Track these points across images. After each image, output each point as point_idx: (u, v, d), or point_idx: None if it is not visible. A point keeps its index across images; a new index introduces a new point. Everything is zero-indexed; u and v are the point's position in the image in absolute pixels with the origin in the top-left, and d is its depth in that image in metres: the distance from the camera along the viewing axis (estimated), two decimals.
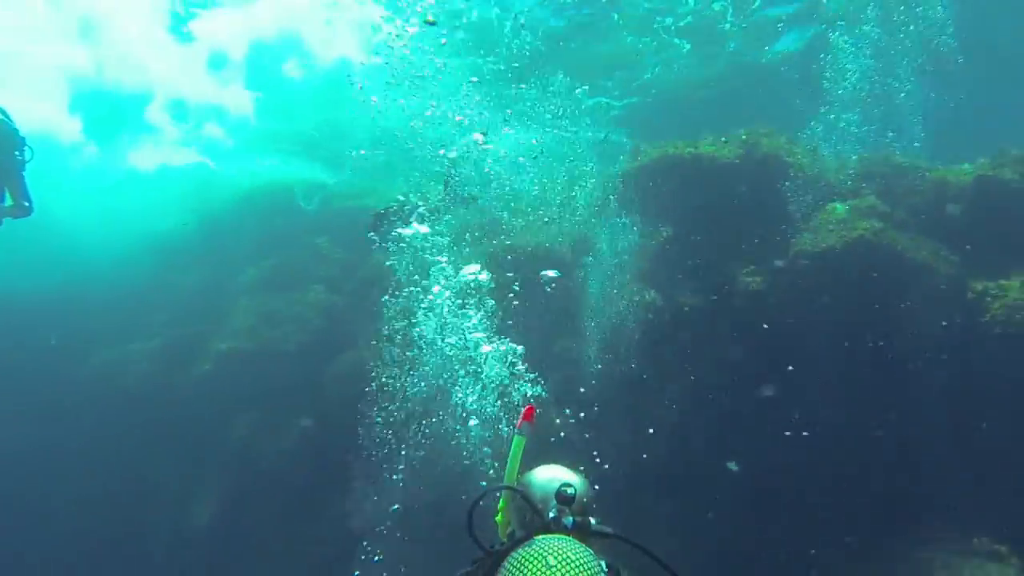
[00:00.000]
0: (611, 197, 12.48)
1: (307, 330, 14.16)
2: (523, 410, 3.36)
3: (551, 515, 2.99)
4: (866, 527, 10.76)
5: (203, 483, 13.97)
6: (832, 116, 13.41)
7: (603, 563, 2.83)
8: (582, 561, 2.74)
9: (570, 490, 3.01)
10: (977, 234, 11.45)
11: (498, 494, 3.29)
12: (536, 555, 2.76)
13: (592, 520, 3.02)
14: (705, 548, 10.57)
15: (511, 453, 3.25)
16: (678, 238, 11.94)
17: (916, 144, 13.41)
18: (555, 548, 2.78)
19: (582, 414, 11.98)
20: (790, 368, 11.02)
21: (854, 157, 12.59)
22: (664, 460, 11.27)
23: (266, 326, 14.05)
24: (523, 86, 15.24)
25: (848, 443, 10.92)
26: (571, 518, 2.99)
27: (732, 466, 10.58)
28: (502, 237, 13.48)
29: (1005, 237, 11.31)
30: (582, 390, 12.02)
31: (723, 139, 12.18)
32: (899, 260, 10.99)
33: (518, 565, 2.75)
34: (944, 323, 10.87)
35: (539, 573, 2.70)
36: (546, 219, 13.23)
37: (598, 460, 11.91)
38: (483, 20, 15.26)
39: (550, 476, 3.15)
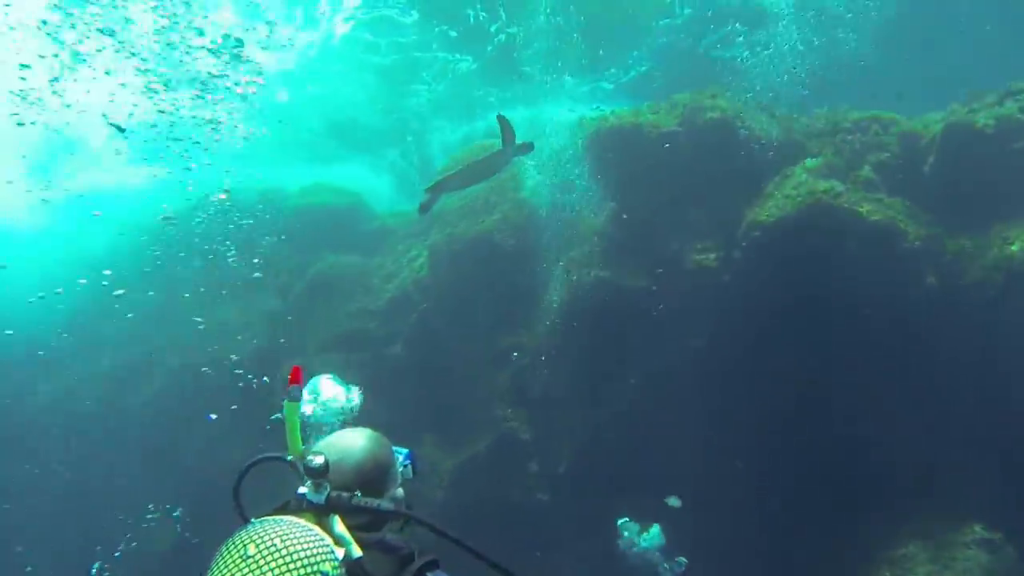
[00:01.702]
0: (557, 173, 11.58)
1: (258, 337, 13.56)
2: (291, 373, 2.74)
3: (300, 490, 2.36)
4: (854, 515, 9.85)
5: (161, 499, 13.49)
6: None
7: (341, 553, 2.15)
8: (294, 550, 2.09)
9: (315, 461, 2.34)
10: (952, 188, 10.39)
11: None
12: (236, 543, 2.14)
13: (358, 495, 2.37)
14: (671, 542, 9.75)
15: (287, 423, 2.66)
16: (624, 214, 10.96)
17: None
18: (264, 533, 2.14)
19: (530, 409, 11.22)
20: (753, 348, 10.16)
21: (812, 113, 11.49)
22: (617, 453, 10.45)
23: (216, 337, 13.47)
24: None
25: (825, 429, 10.00)
26: (321, 493, 2.32)
27: (673, 501, 9.74)
28: (448, 228, 12.67)
29: (983, 188, 10.22)
30: (532, 383, 11.26)
31: (662, 105, 11.21)
32: (864, 223, 9.93)
33: (217, 556, 2.16)
34: (918, 288, 9.87)
35: (231, 566, 2.09)
36: (491, 201, 12.34)
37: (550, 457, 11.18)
38: None
39: (329, 442, 2.54)
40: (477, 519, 11.25)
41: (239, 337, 12.97)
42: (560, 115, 14.20)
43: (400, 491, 2.57)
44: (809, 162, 10.50)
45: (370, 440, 2.54)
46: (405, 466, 2.69)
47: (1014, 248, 9.58)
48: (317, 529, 2.15)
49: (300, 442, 2.64)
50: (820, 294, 9.90)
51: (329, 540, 2.14)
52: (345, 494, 2.33)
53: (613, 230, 10.81)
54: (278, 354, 13.18)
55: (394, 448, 2.68)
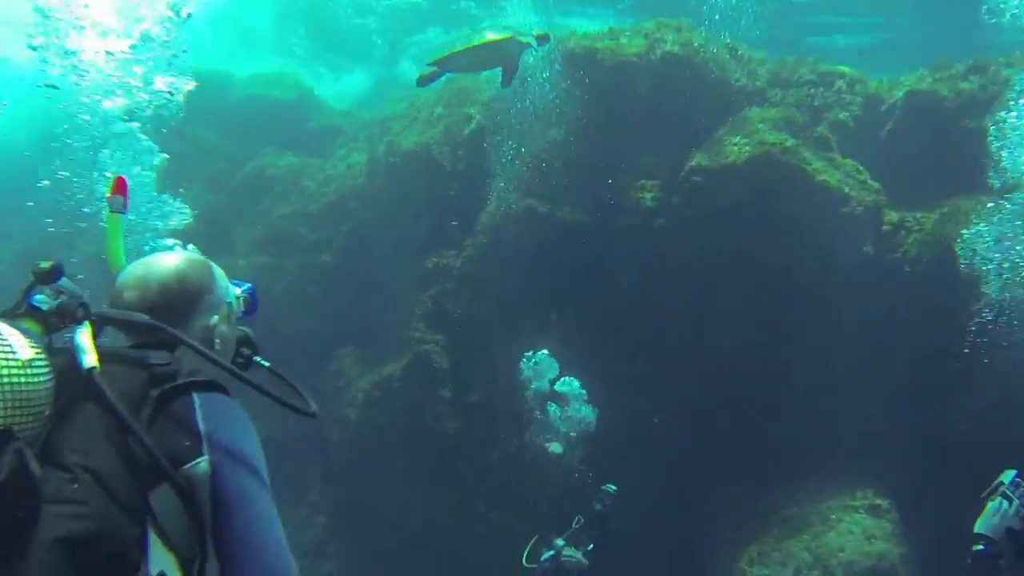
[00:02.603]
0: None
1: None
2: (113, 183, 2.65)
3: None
4: (752, 475, 9.80)
5: None
6: None
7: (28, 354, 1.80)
8: None
9: (41, 264, 2.12)
10: (904, 157, 10.09)
11: None
12: None
13: (107, 309, 2.19)
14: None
15: (108, 235, 2.67)
16: (568, 144, 10.50)
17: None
18: None
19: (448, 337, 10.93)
20: (683, 297, 9.91)
21: (780, 60, 11.01)
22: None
23: None
24: None
25: (741, 387, 9.86)
26: (54, 300, 2.08)
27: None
28: (388, 137, 12.14)
29: (936, 162, 9.93)
30: (454, 307, 10.94)
31: (626, 31, 10.66)
32: (808, 182, 9.61)
33: None
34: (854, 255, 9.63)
35: None
36: (437, 113, 11.80)
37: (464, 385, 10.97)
38: None
39: (146, 260, 2.37)
40: (388, 440, 11.14)
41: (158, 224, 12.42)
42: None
43: (216, 320, 2.37)
44: (765, 111, 10.09)
45: (186, 262, 2.36)
46: (238, 299, 2.57)
47: (947, 228, 9.36)
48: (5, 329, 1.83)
49: (121, 255, 2.63)
50: (754, 249, 9.64)
51: (16, 340, 1.81)
52: (80, 304, 2.09)
53: (554, 158, 10.36)
54: (204, 252, 12.68)
55: (234, 281, 2.57)
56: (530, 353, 9.55)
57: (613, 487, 9.41)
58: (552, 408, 9.64)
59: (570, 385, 9.60)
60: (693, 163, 9.90)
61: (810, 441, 9.61)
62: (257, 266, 12.44)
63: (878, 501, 9.26)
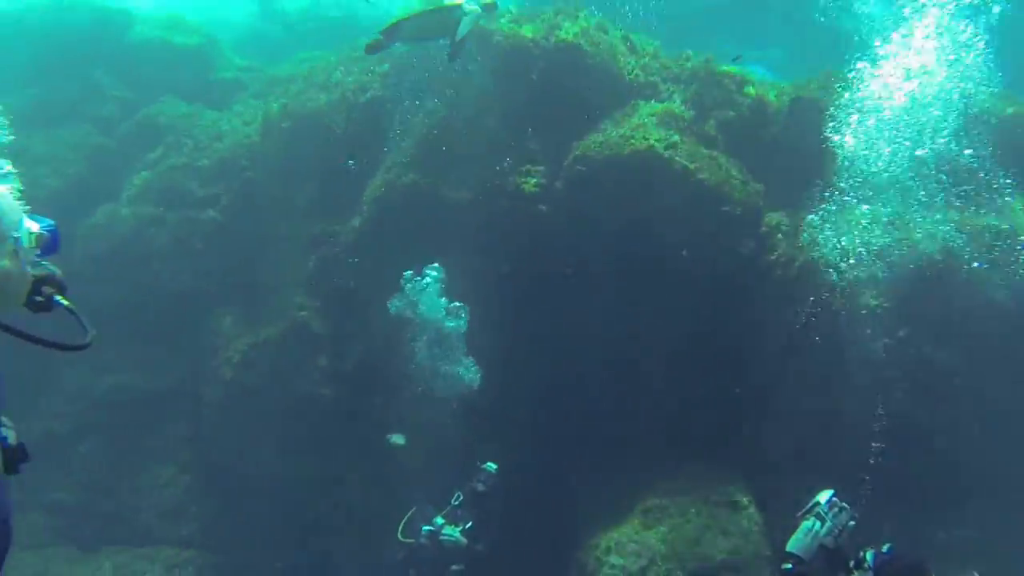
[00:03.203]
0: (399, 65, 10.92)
1: (63, 175, 12.56)
2: None
3: None
4: (619, 463, 10.04)
5: None
6: None
7: None
8: None
9: None
10: (787, 162, 10.31)
11: None
12: None
13: None
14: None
15: None
16: (458, 122, 10.46)
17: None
18: None
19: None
20: (559, 284, 10.02)
21: (678, 53, 11.09)
22: (403, 358, 10.29)
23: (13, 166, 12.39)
24: None
25: (611, 371, 10.05)
26: None
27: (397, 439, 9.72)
28: (285, 98, 11.89)
29: (815, 169, 10.17)
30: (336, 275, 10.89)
31: (524, 15, 10.63)
32: (691, 180, 9.74)
33: None
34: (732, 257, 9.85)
35: None
36: (335, 79, 11.60)
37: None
38: None
39: None
40: (260, 403, 11.07)
41: (41, 169, 12.02)
42: None
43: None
44: (652, 106, 10.18)
45: None
46: (33, 235, 2.42)
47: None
48: None
49: None
50: (633, 242, 9.78)
51: None
52: None
53: (443, 134, 10.30)
54: (86, 199, 12.32)
55: (34, 216, 2.45)
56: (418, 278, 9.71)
57: (493, 465, 9.56)
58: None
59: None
60: (578, 152, 9.95)
61: (676, 434, 9.86)
62: (142, 217, 12.14)
63: (738, 497, 9.46)
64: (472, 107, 10.33)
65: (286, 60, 14.59)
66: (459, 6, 9.13)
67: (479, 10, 9.33)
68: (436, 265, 9.75)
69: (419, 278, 9.73)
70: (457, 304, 9.88)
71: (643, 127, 9.88)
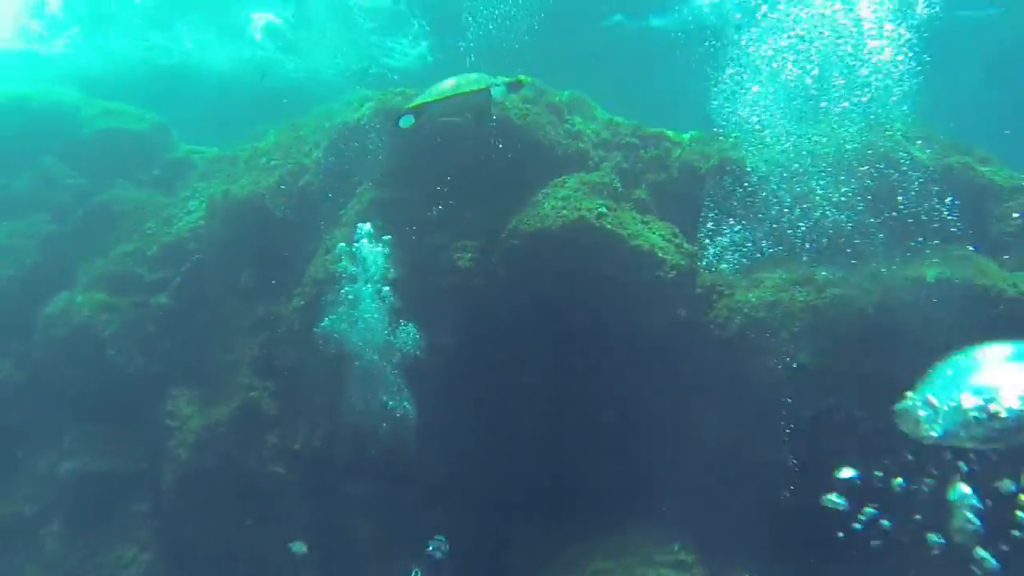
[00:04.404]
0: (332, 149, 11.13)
1: (20, 264, 12.80)
2: None
3: None
4: (561, 522, 10.06)
5: None
6: None
7: None
8: None
9: None
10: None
11: None
12: None
13: None
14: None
15: None
16: (398, 200, 10.62)
17: None
18: None
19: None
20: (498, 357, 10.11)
21: (607, 120, 11.27)
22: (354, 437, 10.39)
23: None
24: None
25: (554, 440, 10.10)
26: None
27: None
28: (226, 184, 12.10)
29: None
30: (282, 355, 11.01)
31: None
32: (624, 247, 9.86)
33: None
34: (668, 320, 9.94)
35: None
36: (273, 162, 11.81)
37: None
38: None
39: None
40: (216, 482, 11.14)
41: None
42: None
43: None
44: (583, 176, 10.33)
45: None
46: None
47: (751, 296, 9.75)
48: None
49: None
50: (571, 312, 9.87)
51: None
52: None
53: (375, 214, 10.46)
54: (43, 286, 12.53)
55: None
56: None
57: (442, 538, 9.61)
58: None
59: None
60: (511, 226, 10.09)
61: (619, 492, 9.89)
62: (95, 303, 12.31)
63: (683, 556, 9.45)
64: (401, 184, 10.46)
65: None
66: (487, 89, 9.35)
67: (505, 90, 9.57)
68: None
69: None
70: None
71: (572, 198, 10.02)
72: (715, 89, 10.06)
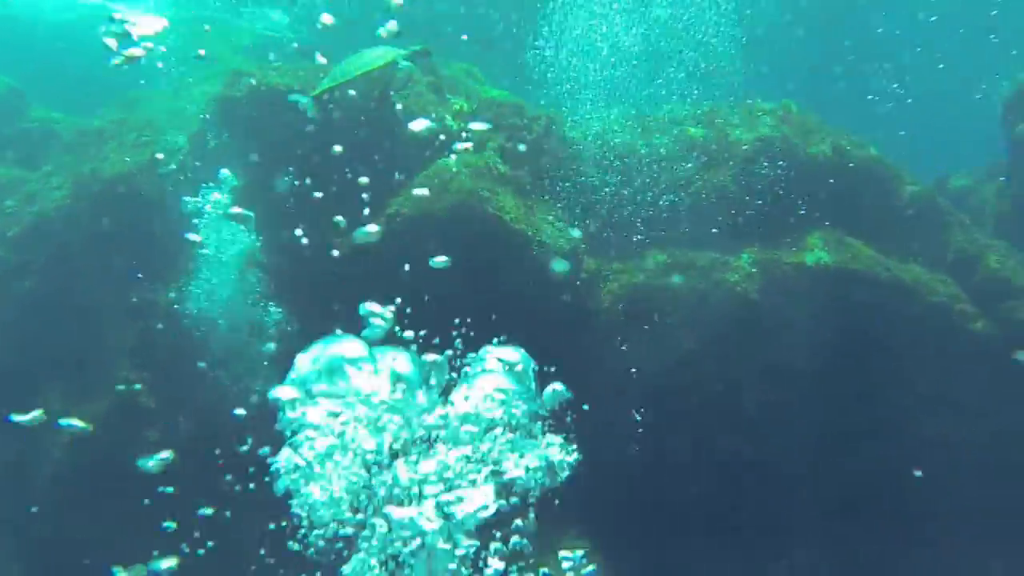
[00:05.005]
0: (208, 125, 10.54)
1: None
2: None
3: None
4: None
5: None
6: None
7: None
8: None
9: None
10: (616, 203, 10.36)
11: None
12: None
13: None
14: None
15: None
16: (266, 182, 10.14)
17: None
18: None
19: None
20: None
21: (489, 100, 10.94)
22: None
23: None
24: None
25: None
26: None
27: None
28: (93, 163, 11.34)
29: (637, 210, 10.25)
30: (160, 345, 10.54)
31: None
32: (506, 228, 9.68)
33: None
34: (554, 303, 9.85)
35: None
36: (144, 139, 11.11)
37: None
38: None
39: None
40: (92, 481, 10.70)
41: None
42: None
43: None
44: (467, 156, 10.03)
45: None
46: None
47: (636, 280, 9.75)
48: None
49: None
50: (455, 292, 9.67)
51: None
52: None
53: (243, 197, 9.97)
54: None
55: None
56: None
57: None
58: None
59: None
60: (392, 209, 9.77)
61: None
62: None
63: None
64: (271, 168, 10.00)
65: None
66: (393, 63, 9.07)
67: (411, 63, 9.34)
68: None
69: None
70: None
71: (455, 178, 9.76)
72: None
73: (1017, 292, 9.97)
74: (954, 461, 9.41)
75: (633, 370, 9.55)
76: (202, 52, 11.12)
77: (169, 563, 7.83)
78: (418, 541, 6.12)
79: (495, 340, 8.17)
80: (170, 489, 9.29)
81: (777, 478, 9.53)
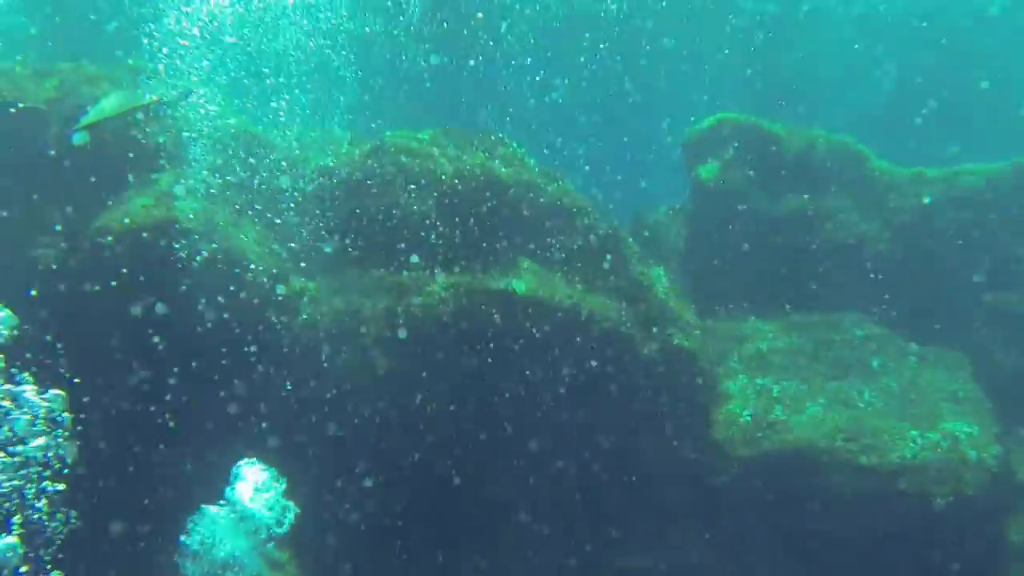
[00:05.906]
0: None
1: None
2: None
3: None
4: None
5: None
6: None
7: None
8: None
9: None
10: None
11: None
12: None
13: None
14: None
15: None
16: None
17: None
18: None
19: None
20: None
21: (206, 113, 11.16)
22: None
23: None
24: None
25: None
26: None
27: None
28: None
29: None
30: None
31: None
32: (211, 249, 9.97)
33: None
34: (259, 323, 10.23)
35: None
36: None
37: None
38: None
39: None
40: None
41: None
42: None
43: None
44: (175, 173, 10.26)
45: None
46: None
47: (335, 303, 10.39)
48: None
49: None
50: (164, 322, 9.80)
51: None
52: None
53: None
54: None
55: None
56: None
57: None
58: None
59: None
60: (99, 223, 9.85)
61: None
62: None
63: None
64: None
65: None
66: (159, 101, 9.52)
67: (176, 98, 9.86)
68: None
69: None
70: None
71: (166, 196, 9.98)
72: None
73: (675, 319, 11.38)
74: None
75: None
76: None
77: None
78: None
79: None
80: None
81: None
